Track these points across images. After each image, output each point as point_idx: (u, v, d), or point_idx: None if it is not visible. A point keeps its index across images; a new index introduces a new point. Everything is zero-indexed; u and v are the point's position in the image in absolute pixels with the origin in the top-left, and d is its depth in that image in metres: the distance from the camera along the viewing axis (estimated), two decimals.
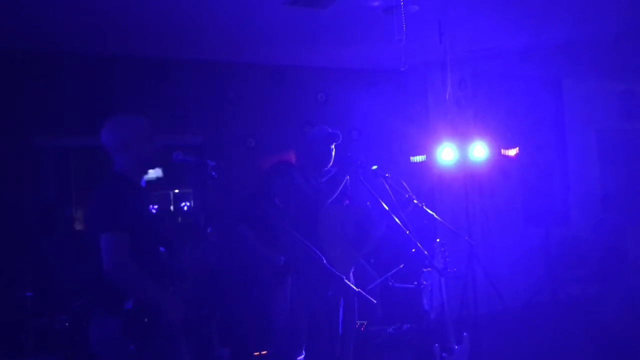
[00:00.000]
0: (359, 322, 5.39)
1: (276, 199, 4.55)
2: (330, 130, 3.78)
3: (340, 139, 3.80)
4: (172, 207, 6.92)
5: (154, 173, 2.88)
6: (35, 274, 4.17)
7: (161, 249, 2.80)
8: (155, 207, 2.70)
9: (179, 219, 6.85)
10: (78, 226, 5.62)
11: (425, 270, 4.01)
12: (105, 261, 2.52)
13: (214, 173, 2.81)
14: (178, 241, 2.93)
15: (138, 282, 2.56)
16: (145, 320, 2.52)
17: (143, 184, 2.84)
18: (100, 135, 2.78)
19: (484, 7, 4.87)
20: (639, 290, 6.23)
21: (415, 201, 3.80)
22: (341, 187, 3.64)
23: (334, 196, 3.62)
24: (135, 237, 2.57)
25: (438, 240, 3.97)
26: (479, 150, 6.18)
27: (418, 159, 6.35)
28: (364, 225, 4.00)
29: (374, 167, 3.72)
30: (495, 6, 4.87)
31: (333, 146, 3.80)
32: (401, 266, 4.93)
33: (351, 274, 3.84)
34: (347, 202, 3.93)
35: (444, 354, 3.85)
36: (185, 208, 6.88)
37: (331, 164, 3.82)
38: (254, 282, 4.80)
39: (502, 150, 6.47)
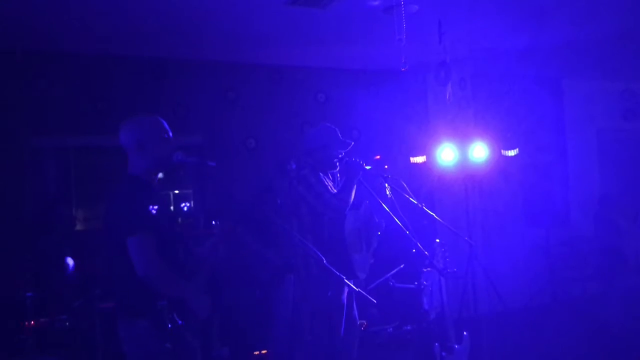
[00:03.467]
0: (360, 322, 5.40)
1: (279, 200, 4.54)
2: (341, 137, 3.74)
3: (352, 145, 3.76)
4: (172, 207, 6.93)
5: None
6: (35, 274, 4.17)
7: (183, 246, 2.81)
8: (156, 207, 2.68)
9: (179, 219, 6.86)
10: (78, 226, 5.62)
11: (425, 270, 4.01)
12: (138, 264, 2.52)
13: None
14: (191, 239, 2.95)
15: (173, 281, 2.58)
16: (179, 318, 2.53)
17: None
18: (109, 137, 2.79)
19: (484, 7, 4.87)
20: (639, 290, 6.23)
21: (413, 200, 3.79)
22: (353, 194, 3.61)
23: (349, 206, 3.59)
24: (157, 238, 2.58)
25: (438, 240, 3.97)
26: (479, 151, 6.17)
27: (418, 159, 6.35)
28: (371, 226, 3.98)
29: (368, 167, 3.69)
30: (495, 6, 4.87)
31: (342, 152, 3.76)
32: (402, 266, 4.93)
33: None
34: (368, 202, 3.89)
35: (444, 354, 3.85)
36: (185, 208, 6.88)
37: (337, 169, 3.79)
38: (254, 282, 4.80)
39: (502, 151, 6.47)
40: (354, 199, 3.63)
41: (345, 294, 3.63)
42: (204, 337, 4.61)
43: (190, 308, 2.64)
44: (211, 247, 2.95)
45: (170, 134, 2.80)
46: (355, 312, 3.81)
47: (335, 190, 3.64)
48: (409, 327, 5.57)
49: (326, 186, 3.60)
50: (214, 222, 2.94)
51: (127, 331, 2.64)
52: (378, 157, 3.77)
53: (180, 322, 2.52)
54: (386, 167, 3.79)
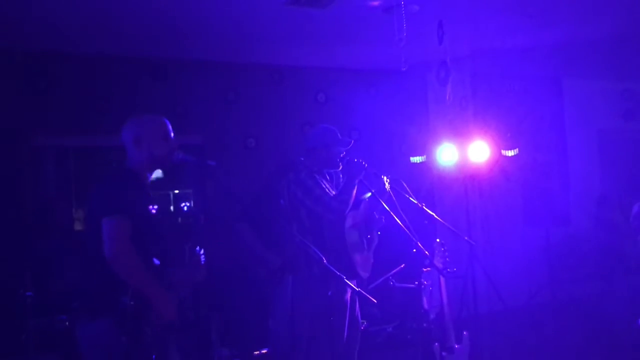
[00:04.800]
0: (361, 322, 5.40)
1: (282, 201, 4.52)
2: (340, 136, 3.74)
3: (352, 144, 3.75)
4: (172, 207, 6.93)
5: (154, 173, 2.88)
6: (35, 274, 4.17)
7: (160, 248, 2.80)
8: (156, 207, 2.69)
9: (179, 219, 6.86)
10: (78, 226, 5.61)
11: (425, 270, 4.01)
12: (107, 246, 2.48)
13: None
14: (177, 242, 2.93)
15: (139, 269, 2.54)
16: (141, 313, 2.51)
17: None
18: (109, 137, 2.80)
19: (484, 7, 4.87)
20: (639, 290, 6.24)
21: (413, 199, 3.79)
22: (354, 195, 3.61)
23: (350, 207, 3.59)
24: (134, 230, 2.56)
25: (438, 240, 3.97)
26: (479, 151, 6.17)
27: (418, 159, 6.35)
28: (371, 227, 3.97)
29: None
30: (496, 6, 4.87)
31: (343, 152, 3.76)
32: (402, 266, 4.93)
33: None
34: (367, 198, 3.87)
35: (444, 353, 3.85)
36: (185, 208, 6.88)
37: (340, 168, 3.79)
38: (253, 281, 4.80)
39: (502, 151, 6.47)
40: (354, 198, 3.63)
41: (349, 293, 3.63)
42: (198, 339, 4.61)
43: (156, 305, 2.58)
44: (187, 274, 2.91)
45: (172, 135, 2.81)
46: (358, 312, 3.81)
47: (333, 192, 3.64)
48: (409, 327, 5.58)
49: (324, 188, 3.61)
50: (198, 249, 2.91)
51: (85, 331, 2.61)
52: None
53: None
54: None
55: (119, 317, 2.49)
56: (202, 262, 2.92)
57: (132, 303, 2.48)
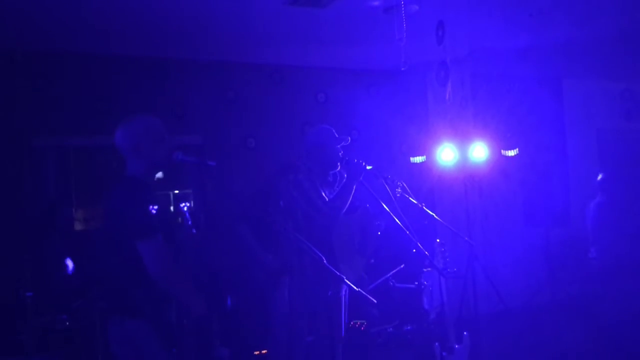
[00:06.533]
0: (358, 322, 5.40)
1: (281, 201, 4.52)
2: (337, 135, 3.75)
3: (349, 142, 3.76)
4: (172, 208, 6.92)
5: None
6: (35, 274, 4.17)
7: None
8: (155, 207, 2.70)
9: (179, 219, 6.84)
10: (78, 226, 5.62)
11: (425, 270, 4.01)
12: (152, 267, 2.52)
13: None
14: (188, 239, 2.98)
15: (183, 282, 2.61)
16: (184, 321, 2.58)
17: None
18: (109, 137, 2.80)
19: (484, 7, 4.87)
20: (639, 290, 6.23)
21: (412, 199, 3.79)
22: (352, 196, 3.61)
23: (346, 208, 3.59)
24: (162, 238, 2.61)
25: (438, 240, 3.97)
26: (479, 151, 6.17)
27: (418, 159, 6.35)
28: (368, 230, 3.97)
29: (369, 167, 3.67)
30: (496, 6, 4.87)
31: (341, 151, 3.76)
32: (402, 266, 4.94)
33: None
34: (368, 205, 3.88)
35: (444, 353, 3.85)
36: (185, 208, 6.87)
37: (339, 168, 3.79)
38: (252, 283, 4.80)
39: (502, 151, 6.47)
40: (351, 201, 3.63)
41: (343, 292, 3.64)
42: (204, 337, 4.61)
43: (188, 307, 2.66)
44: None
45: (166, 134, 2.80)
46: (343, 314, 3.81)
47: (327, 198, 3.63)
48: (409, 327, 5.58)
49: (319, 192, 3.61)
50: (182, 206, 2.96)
51: (122, 332, 2.63)
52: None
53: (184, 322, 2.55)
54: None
55: (156, 319, 2.56)
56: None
57: (169, 305, 2.57)
